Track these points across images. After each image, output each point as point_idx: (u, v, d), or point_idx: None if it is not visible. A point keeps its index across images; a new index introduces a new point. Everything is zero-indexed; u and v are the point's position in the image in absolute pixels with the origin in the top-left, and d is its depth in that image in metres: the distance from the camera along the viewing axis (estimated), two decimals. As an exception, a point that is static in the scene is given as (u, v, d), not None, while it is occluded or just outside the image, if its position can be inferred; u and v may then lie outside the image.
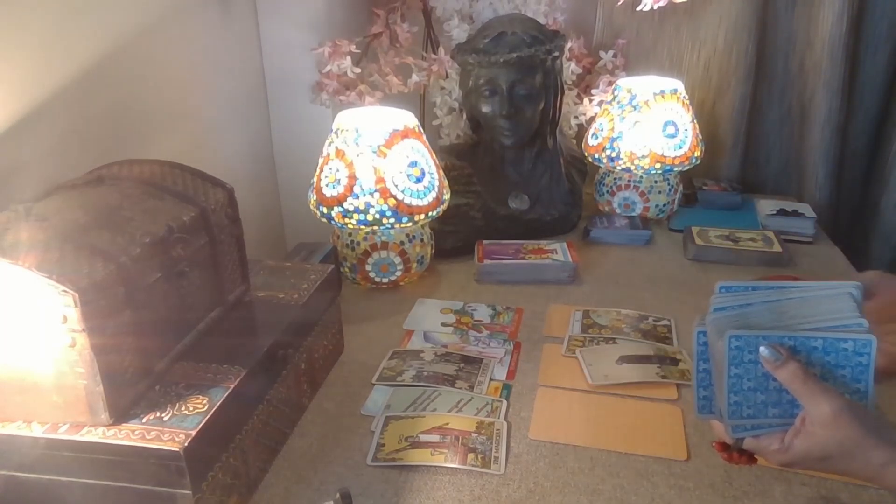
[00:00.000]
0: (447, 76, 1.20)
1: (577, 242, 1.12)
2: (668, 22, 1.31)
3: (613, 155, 1.16)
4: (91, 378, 0.52)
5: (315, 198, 0.94)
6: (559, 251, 1.04)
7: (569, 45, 1.27)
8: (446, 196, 0.97)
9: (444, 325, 0.91)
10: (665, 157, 1.14)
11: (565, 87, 1.17)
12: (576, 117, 1.30)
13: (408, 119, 0.93)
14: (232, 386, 0.58)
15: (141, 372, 0.57)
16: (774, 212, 1.18)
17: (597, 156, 1.19)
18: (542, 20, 1.18)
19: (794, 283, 0.56)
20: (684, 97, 1.16)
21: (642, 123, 1.13)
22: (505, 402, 0.75)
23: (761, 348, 0.53)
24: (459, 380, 0.78)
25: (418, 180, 0.91)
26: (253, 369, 0.61)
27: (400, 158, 0.90)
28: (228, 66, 1.03)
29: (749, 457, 0.56)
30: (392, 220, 0.90)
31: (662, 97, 1.13)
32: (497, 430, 0.70)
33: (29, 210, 0.55)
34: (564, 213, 1.17)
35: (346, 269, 0.98)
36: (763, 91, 1.33)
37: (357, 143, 0.89)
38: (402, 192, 0.90)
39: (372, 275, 0.97)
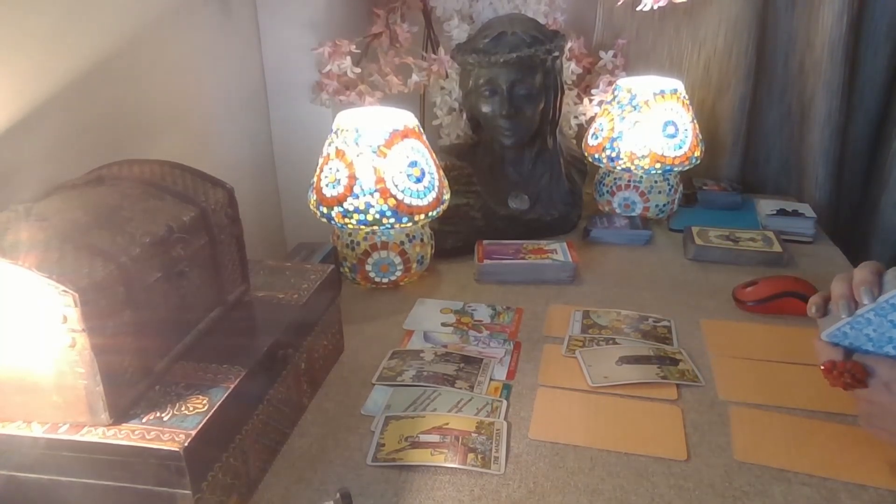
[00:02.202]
0: (447, 76, 1.20)
1: (577, 242, 1.12)
2: (668, 22, 1.31)
3: (613, 155, 1.16)
4: (91, 378, 0.52)
5: (315, 198, 0.94)
6: (559, 251, 1.04)
7: (569, 45, 1.27)
8: (446, 196, 0.97)
9: (444, 325, 0.91)
10: (665, 157, 1.14)
11: (565, 87, 1.17)
12: (576, 117, 1.30)
13: (408, 119, 0.93)
14: (232, 386, 0.58)
15: (141, 372, 0.57)
16: (774, 212, 1.18)
17: (597, 156, 1.19)
18: (542, 20, 1.18)
19: None
20: (684, 97, 1.16)
21: (642, 123, 1.13)
22: (505, 402, 0.75)
23: None
24: (459, 380, 0.78)
25: (418, 180, 0.91)
26: (253, 369, 0.61)
27: (400, 158, 0.90)
28: (228, 66, 1.03)
29: (853, 378, 0.59)
30: (392, 220, 0.90)
31: (662, 97, 1.13)
32: (497, 430, 0.70)
33: (29, 210, 0.55)
34: (564, 213, 1.17)
35: (346, 269, 0.98)
36: (763, 91, 1.33)
37: (357, 143, 0.89)
38: (402, 192, 0.90)
39: (372, 275, 0.97)
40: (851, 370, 0.60)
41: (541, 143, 1.14)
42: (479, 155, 1.15)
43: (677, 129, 1.14)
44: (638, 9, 1.16)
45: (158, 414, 0.54)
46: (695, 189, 1.30)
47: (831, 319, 0.62)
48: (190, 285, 0.62)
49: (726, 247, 1.08)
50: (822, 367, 0.62)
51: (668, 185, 1.19)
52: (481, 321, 0.91)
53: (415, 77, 1.12)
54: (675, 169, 1.16)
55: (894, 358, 0.60)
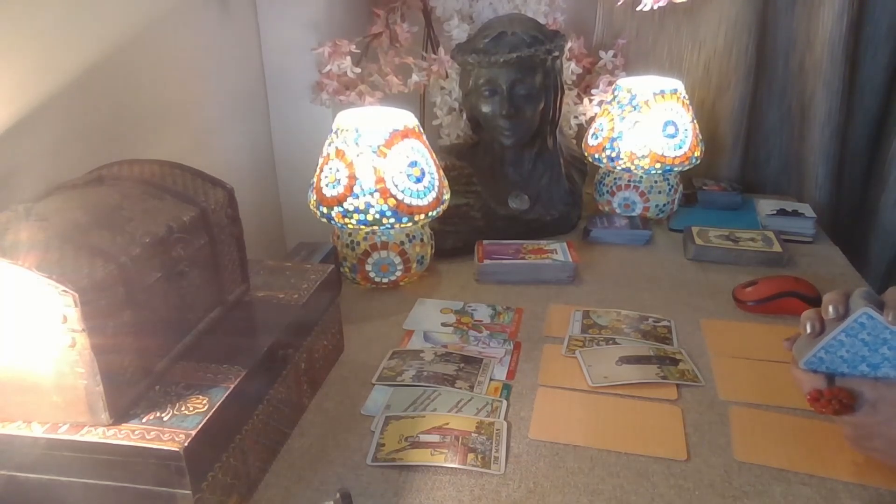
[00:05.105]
0: (447, 76, 1.20)
1: (577, 242, 1.12)
2: (668, 22, 1.31)
3: (613, 155, 1.16)
4: (91, 378, 0.52)
5: (315, 198, 0.94)
6: (559, 251, 1.04)
7: (569, 45, 1.27)
8: (446, 196, 0.97)
9: (444, 325, 0.91)
10: (665, 157, 1.14)
11: (565, 87, 1.17)
12: (576, 117, 1.30)
13: (408, 119, 0.93)
14: (232, 386, 0.58)
15: (141, 372, 0.57)
16: (774, 212, 1.18)
17: (597, 156, 1.19)
18: (542, 20, 1.18)
19: None
20: (684, 97, 1.16)
21: (642, 123, 1.13)
22: (505, 402, 0.75)
23: None
24: (459, 380, 0.78)
25: (418, 180, 0.91)
26: (253, 369, 0.61)
27: (400, 158, 0.90)
28: (228, 66, 1.03)
29: (841, 404, 0.60)
30: (392, 220, 0.90)
31: (662, 97, 1.13)
32: (497, 430, 0.70)
33: (29, 210, 0.55)
34: (564, 213, 1.17)
35: (346, 269, 0.98)
36: (763, 91, 1.33)
37: (357, 143, 0.89)
38: (402, 192, 0.90)
39: (372, 275, 0.97)
40: (839, 396, 0.60)
41: (541, 143, 1.14)
42: (479, 155, 1.15)
43: (677, 129, 1.14)
44: (638, 9, 1.16)
45: (158, 414, 0.54)
46: (695, 189, 1.30)
47: (803, 347, 0.63)
48: (190, 285, 0.62)
49: (726, 247, 1.08)
50: (808, 397, 0.62)
51: (668, 185, 1.19)
52: (481, 321, 0.91)
53: (415, 77, 1.12)
54: (675, 169, 1.16)
55: (871, 377, 0.60)
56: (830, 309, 0.60)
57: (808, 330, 0.62)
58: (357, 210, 0.89)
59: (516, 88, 1.05)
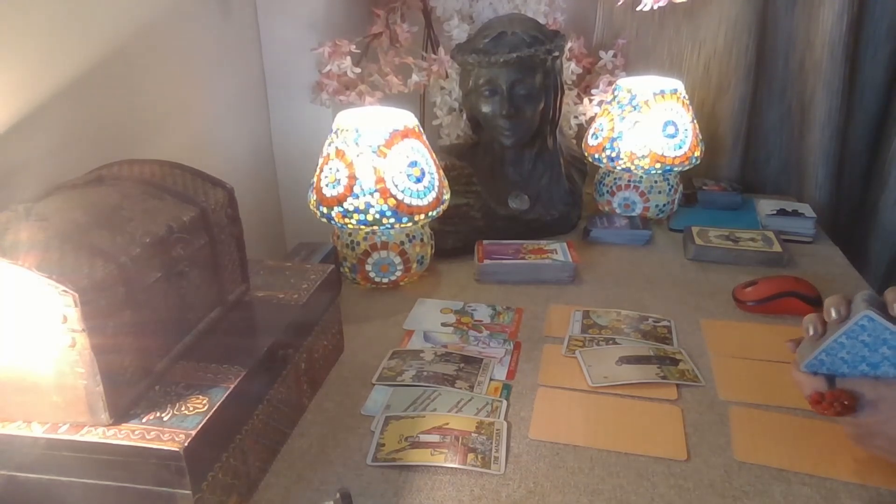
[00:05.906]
0: (447, 76, 1.20)
1: (577, 242, 1.12)
2: (668, 22, 1.31)
3: (613, 155, 1.16)
4: (91, 378, 0.52)
5: (315, 198, 0.94)
6: (559, 251, 1.04)
7: (569, 45, 1.27)
8: (446, 196, 0.97)
9: (444, 325, 0.91)
10: (665, 157, 1.14)
11: (565, 87, 1.17)
12: (576, 117, 1.30)
13: (408, 119, 0.93)
14: (232, 386, 0.58)
15: (141, 372, 0.57)
16: (774, 212, 1.18)
17: (597, 156, 1.19)
18: (542, 20, 1.18)
19: None
20: (684, 97, 1.16)
21: (642, 123, 1.13)
22: (505, 402, 0.75)
23: None
24: (459, 380, 0.78)
25: (418, 180, 0.91)
26: (253, 369, 0.61)
27: (400, 158, 0.90)
28: (228, 66, 1.03)
29: (843, 405, 0.60)
30: (392, 220, 0.90)
31: (662, 97, 1.13)
32: (497, 430, 0.70)
33: (29, 210, 0.55)
34: (564, 213, 1.17)
35: (346, 269, 0.98)
36: (763, 91, 1.33)
37: (357, 143, 0.89)
38: (402, 192, 0.90)
39: (372, 275, 0.97)
40: (840, 398, 0.60)
41: (541, 143, 1.14)
42: (479, 155, 1.15)
43: (677, 129, 1.14)
44: (638, 9, 1.16)
45: (158, 414, 0.55)
46: (695, 189, 1.30)
47: (805, 350, 0.63)
48: (190, 285, 0.62)
49: (726, 247, 1.08)
50: (810, 399, 0.62)
51: (668, 185, 1.19)
52: (481, 321, 0.91)
53: (415, 77, 1.12)
54: (675, 169, 1.16)
55: (871, 376, 0.61)
56: (832, 311, 0.61)
57: (811, 332, 0.62)
58: (357, 210, 0.89)
59: (516, 88, 1.05)
